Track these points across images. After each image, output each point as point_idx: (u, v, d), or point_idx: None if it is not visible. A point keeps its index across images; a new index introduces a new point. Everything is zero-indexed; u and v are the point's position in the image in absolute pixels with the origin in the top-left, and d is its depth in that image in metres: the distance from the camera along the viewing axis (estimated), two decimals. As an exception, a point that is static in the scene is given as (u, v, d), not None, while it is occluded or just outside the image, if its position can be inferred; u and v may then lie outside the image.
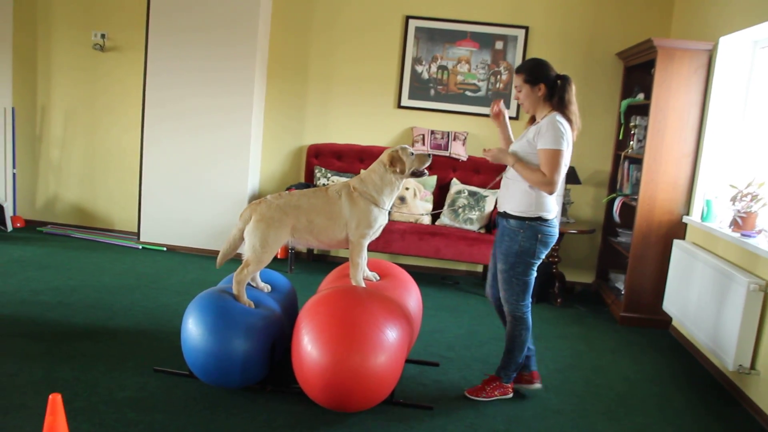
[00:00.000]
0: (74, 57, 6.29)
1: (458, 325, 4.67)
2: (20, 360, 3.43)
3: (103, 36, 6.17)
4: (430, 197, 5.83)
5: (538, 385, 3.55)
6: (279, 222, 3.33)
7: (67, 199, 6.51)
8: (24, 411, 2.91)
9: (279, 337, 3.32)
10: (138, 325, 4.09)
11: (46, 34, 6.30)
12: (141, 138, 6.00)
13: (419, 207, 5.73)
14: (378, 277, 3.66)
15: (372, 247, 5.47)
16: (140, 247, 6.06)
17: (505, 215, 3.29)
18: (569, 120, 3.18)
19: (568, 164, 3.21)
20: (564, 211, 5.51)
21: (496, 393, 3.42)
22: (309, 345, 2.96)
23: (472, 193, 5.67)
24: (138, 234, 6.14)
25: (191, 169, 5.97)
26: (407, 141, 6.07)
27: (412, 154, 3.46)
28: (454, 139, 5.91)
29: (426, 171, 3.50)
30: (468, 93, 5.96)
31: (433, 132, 5.95)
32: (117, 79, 6.27)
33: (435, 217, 5.78)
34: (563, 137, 3.10)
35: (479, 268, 6.15)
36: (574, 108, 3.21)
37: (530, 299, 3.37)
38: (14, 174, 6.40)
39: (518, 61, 5.84)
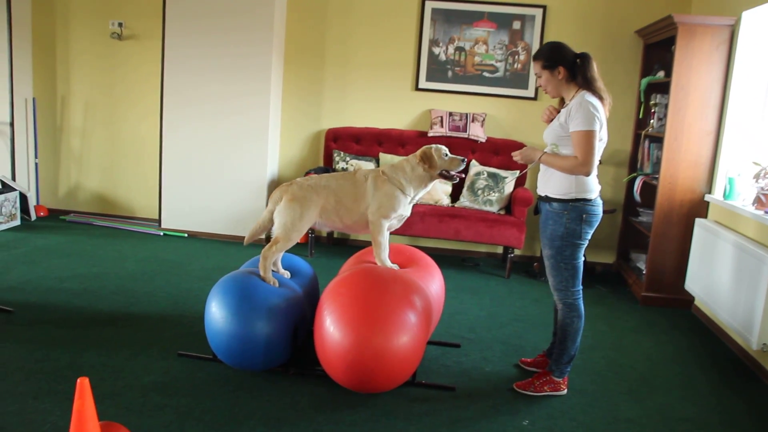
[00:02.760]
0: (92, 46, 6.34)
1: (479, 306, 4.68)
2: (47, 346, 3.49)
3: (120, 24, 6.20)
4: (449, 180, 5.80)
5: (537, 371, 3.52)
6: (310, 201, 3.38)
7: (89, 187, 6.59)
8: (52, 396, 2.97)
9: (301, 320, 3.35)
10: (161, 311, 4.14)
11: (64, 25, 6.35)
12: (160, 125, 6.04)
13: (438, 189, 5.72)
14: (397, 268, 3.67)
15: (391, 230, 5.49)
16: (161, 233, 6.12)
17: (547, 199, 3.23)
18: (599, 97, 3.10)
19: (605, 141, 3.14)
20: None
21: (545, 388, 3.30)
22: (331, 326, 2.98)
23: (491, 175, 5.64)
24: (159, 221, 6.19)
25: (210, 155, 6.00)
26: (425, 123, 6.06)
27: (446, 155, 3.47)
28: (473, 121, 5.88)
29: (456, 176, 3.50)
30: (486, 74, 5.91)
31: (451, 114, 5.92)
32: (134, 68, 6.31)
33: (455, 198, 5.77)
34: (595, 117, 3.01)
35: (499, 250, 6.13)
36: (600, 84, 3.12)
37: (581, 285, 3.26)
38: (36, 164, 6.48)
39: (536, 41, 5.78)
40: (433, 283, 3.60)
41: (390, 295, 3.05)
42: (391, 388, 3.11)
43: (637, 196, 5.22)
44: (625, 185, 5.77)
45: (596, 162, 3.07)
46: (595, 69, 3.13)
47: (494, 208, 5.58)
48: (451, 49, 5.93)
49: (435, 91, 6.03)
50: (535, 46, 5.79)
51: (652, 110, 5.24)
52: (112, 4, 6.24)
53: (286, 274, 3.61)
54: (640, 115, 5.49)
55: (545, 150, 3.25)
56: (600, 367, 3.74)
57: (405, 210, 3.48)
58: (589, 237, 3.21)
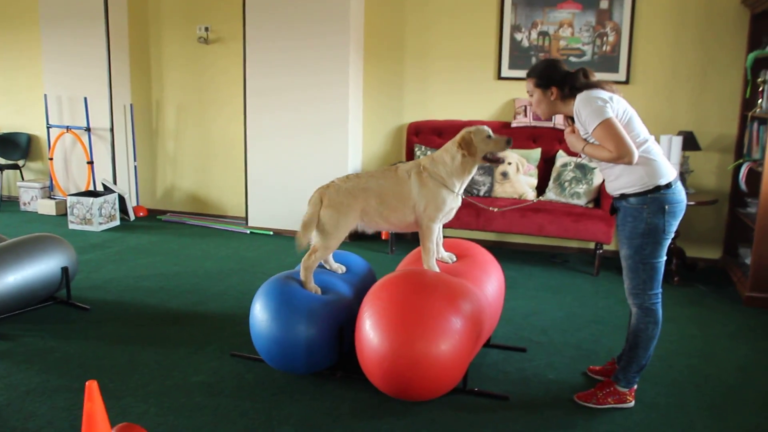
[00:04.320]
0: (182, 52, 6.57)
1: (558, 306, 4.37)
2: (110, 344, 3.60)
3: (206, 29, 6.37)
4: (535, 171, 5.50)
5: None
6: (347, 207, 3.24)
7: (183, 187, 6.84)
8: (104, 392, 3.01)
9: (347, 321, 3.23)
10: (228, 310, 4.18)
11: (157, 33, 6.62)
12: (244, 124, 6.15)
13: (522, 182, 5.43)
14: (454, 259, 3.48)
15: (472, 226, 5.28)
16: (248, 232, 6.24)
17: (623, 196, 2.93)
18: (598, 87, 2.84)
19: (632, 116, 2.83)
20: (682, 181, 4.99)
21: (609, 400, 3.01)
22: (370, 331, 2.85)
23: (579, 166, 5.28)
24: (246, 219, 6.32)
25: (293, 152, 6.04)
26: (509, 113, 5.77)
27: (490, 136, 3.23)
28: (558, 109, 5.52)
29: (502, 158, 3.24)
30: (572, 58, 5.54)
31: (536, 102, 5.59)
32: (221, 70, 6.47)
33: (540, 192, 5.45)
34: (603, 106, 2.74)
35: (591, 245, 5.73)
36: (595, 85, 2.87)
37: (660, 288, 2.95)
38: (135, 166, 6.81)
39: (626, 21, 5.33)
40: (489, 282, 3.36)
41: (433, 299, 2.86)
42: (434, 396, 2.92)
43: (742, 185, 4.69)
44: (731, 173, 5.20)
45: (632, 146, 2.73)
46: (590, 77, 2.90)
47: (582, 201, 5.22)
48: (534, 35, 5.60)
49: (519, 80, 5.72)
50: (626, 26, 5.34)
51: (760, 88, 4.69)
52: (198, 9, 6.43)
53: (341, 269, 3.52)
54: (747, 95, 4.93)
55: (579, 158, 2.99)
56: (681, 376, 3.35)
57: (454, 203, 3.27)
58: (673, 230, 2.87)
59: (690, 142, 5.00)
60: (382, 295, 2.95)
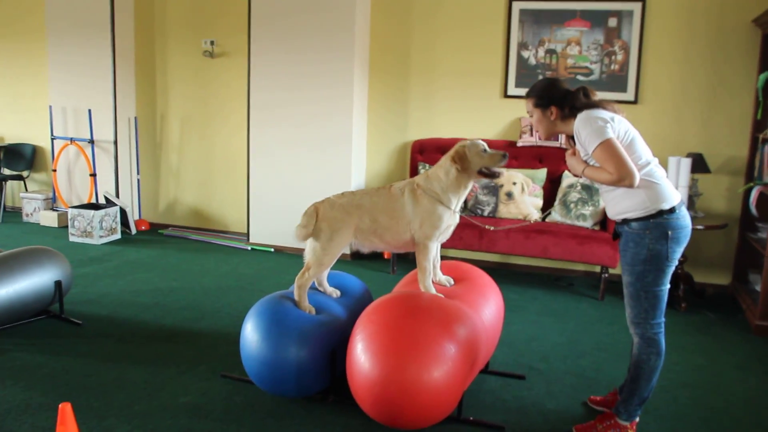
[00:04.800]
0: (187, 65, 6.54)
1: (560, 332, 4.25)
2: (99, 361, 3.52)
3: (212, 43, 6.34)
4: (540, 192, 5.40)
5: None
6: (341, 222, 3.16)
7: (186, 201, 6.78)
8: (86, 412, 2.96)
9: (341, 344, 3.13)
10: (222, 328, 4.09)
11: (162, 46, 6.60)
12: (247, 139, 6.09)
13: (527, 203, 5.33)
14: (452, 282, 3.37)
15: (476, 247, 5.18)
16: (249, 248, 6.16)
17: (625, 221, 2.83)
18: (600, 108, 2.77)
19: (635, 138, 2.74)
20: (691, 204, 4.87)
21: None
22: (362, 355, 2.75)
23: (585, 187, 5.17)
24: (247, 235, 6.24)
25: (295, 169, 5.97)
26: (515, 132, 5.69)
27: (485, 151, 3.14)
28: (565, 129, 5.43)
29: (499, 172, 3.15)
30: (580, 77, 5.45)
31: (542, 121, 5.51)
32: (225, 84, 6.43)
33: (543, 212, 5.35)
34: (605, 124, 2.67)
35: (597, 269, 5.61)
36: (597, 101, 2.81)
37: (663, 317, 2.82)
38: (138, 180, 6.77)
39: (635, 39, 5.24)
40: (487, 307, 3.25)
41: (426, 323, 2.76)
42: (426, 425, 2.81)
43: (753, 209, 4.57)
44: (741, 196, 5.08)
45: (633, 168, 2.64)
46: (591, 96, 2.84)
47: (588, 223, 5.11)
48: (541, 52, 5.52)
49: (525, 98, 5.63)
50: (635, 45, 5.25)
51: (772, 110, 4.58)
52: (204, 23, 6.41)
53: (335, 293, 3.43)
54: (758, 116, 4.82)
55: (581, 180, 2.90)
56: (686, 409, 3.22)
57: (451, 220, 3.18)
58: (677, 257, 2.77)
59: (699, 165, 4.89)
60: (374, 317, 2.86)
